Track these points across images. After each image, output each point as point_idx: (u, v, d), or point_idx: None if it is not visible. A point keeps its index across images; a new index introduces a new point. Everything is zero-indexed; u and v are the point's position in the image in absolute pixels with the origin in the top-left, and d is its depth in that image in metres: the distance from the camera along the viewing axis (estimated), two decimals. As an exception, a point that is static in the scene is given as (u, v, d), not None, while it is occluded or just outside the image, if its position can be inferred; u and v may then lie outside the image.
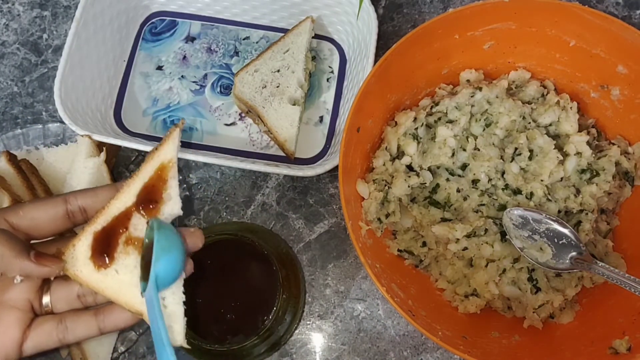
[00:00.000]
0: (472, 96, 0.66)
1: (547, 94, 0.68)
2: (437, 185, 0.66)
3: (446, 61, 0.68)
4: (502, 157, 0.64)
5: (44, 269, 0.44)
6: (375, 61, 0.67)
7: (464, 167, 0.65)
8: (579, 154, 0.63)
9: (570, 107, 0.65)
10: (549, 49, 0.66)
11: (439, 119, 0.66)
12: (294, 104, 0.73)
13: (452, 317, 0.63)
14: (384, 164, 0.65)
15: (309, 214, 0.72)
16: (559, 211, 0.64)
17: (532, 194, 0.63)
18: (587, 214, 0.63)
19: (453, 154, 0.64)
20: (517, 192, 0.64)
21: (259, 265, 0.61)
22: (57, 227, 0.48)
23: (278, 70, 0.74)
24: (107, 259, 0.46)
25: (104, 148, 0.69)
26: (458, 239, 0.63)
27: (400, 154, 0.66)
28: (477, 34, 0.66)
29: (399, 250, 0.66)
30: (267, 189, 0.73)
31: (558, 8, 0.62)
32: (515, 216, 0.62)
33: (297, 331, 0.67)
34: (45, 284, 0.48)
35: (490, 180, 0.64)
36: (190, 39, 0.80)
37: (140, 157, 0.74)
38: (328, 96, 0.77)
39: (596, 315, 0.61)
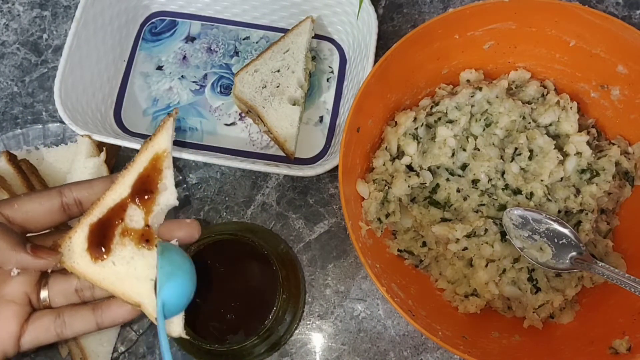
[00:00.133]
0: (472, 96, 0.66)
1: (547, 94, 0.68)
2: (437, 185, 0.66)
3: (446, 61, 0.68)
4: (502, 157, 0.64)
5: (40, 261, 0.44)
6: (375, 61, 0.68)
7: (464, 167, 0.65)
8: (579, 154, 0.63)
9: (570, 107, 0.66)
10: (549, 49, 0.66)
11: (439, 119, 0.66)
12: (294, 104, 0.73)
13: (452, 317, 0.63)
14: (384, 164, 0.65)
15: (309, 214, 0.72)
16: (559, 211, 0.64)
17: (532, 194, 0.63)
18: (587, 214, 0.63)
19: (453, 154, 0.64)
20: (517, 192, 0.64)
21: (259, 265, 0.61)
22: (52, 219, 0.48)
23: (278, 70, 0.74)
24: (103, 250, 0.46)
25: (104, 148, 0.69)
26: (458, 239, 0.63)
27: (400, 154, 0.66)
28: (477, 34, 0.66)
29: (399, 250, 0.66)
30: (267, 189, 0.73)
31: (558, 8, 0.62)
32: (515, 216, 0.62)
33: (297, 331, 0.67)
34: (43, 278, 0.48)
35: (490, 180, 0.64)
36: (190, 39, 0.80)
37: (140, 157, 0.74)
38: (328, 96, 0.77)
39: (596, 315, 0.61)
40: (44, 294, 0.48)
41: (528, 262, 0.62)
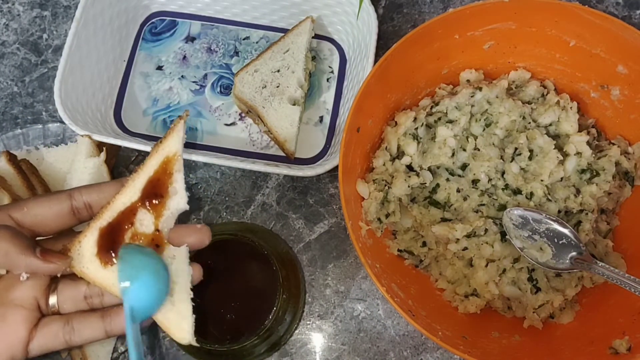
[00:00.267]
0: (472, 96, 0.66)
1: (547, 94, 0.68)
2: (437, 185, 0.66)
3: (446, 61, 0.68)
4: (502, 157, 0.64)
5: (50, 265, 0.44)
6: (375, 61, 0.68)
7: (464, 167, 0.65)
8: (579, 154, 0.63)
9: (570, 107, 0.66)
10: (549, 49, 0.66)
11: (439, 119, 0.66)
12: (294, 104, 0.73)
13: (452, 317, 0.63)
14: (384, 164, 0.65)
15: (309, 214, 0.72)
16: (559, 211, 0.64)
17: (532, 194, 0.63)
18: (587, 214, 0.63)
19: (453, 154, 0.64)
20: (517, 192, 0.64)
21: (259, 265, 0.61)
22: (62, 223, 0.47)
23: (278, 70, 0.74)
24: (113, 255, 0.46)
25: (104, 148, 0.69)
26: (458, 239, 0.63)
27: (400, 154, 0.66)
28: (477, 34, 0.66)
29: (399, 250, 0.66)
30: (267, 189, 0.73)
31: (558, 8, 0.62)
32: (515, 216, 0.62)
33: (297, 331, 0.67)
34: (52, 284, 0.48)
35: (490, 180, 0.64)
36: (190, 39, 0.80)
37: (141, 157, 0.74)
38: (328, 96, 0.77)
39: (596, 315, 0.61)
40: (52, 299, 0.47)
41: (528, 262, 0.62)
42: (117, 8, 0.76)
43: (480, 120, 0.65)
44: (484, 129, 0.65)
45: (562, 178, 0.63)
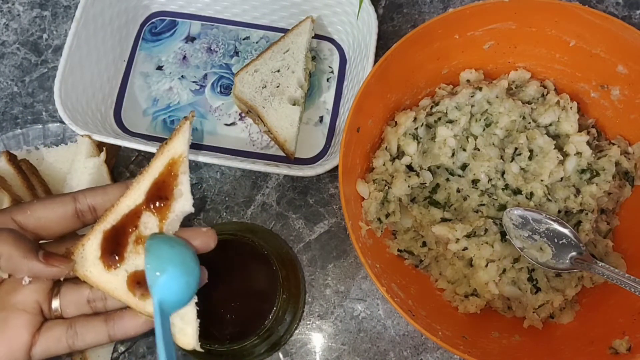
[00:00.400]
0: (472, 96, 0.66)
1: (547, 94, 0.68)
2: (437, 185, 0.66)
3: (446, 61, 0.68)
4: (502, 157, 0.64)
5: (53, 269, 0.43)
6: (375, 61, 0.67)
7: (464, 167, 0.65)
8: (579, 154, 0.63)
9: (570, 107, 0.66)
10: (549, 49, 0.66)
11: (439, 119, 0.66)
12: (294, 104, 0.73)
13: (452, 317, 0.63)
14: (384, 164, 0.65)
15: (309, 214, 0.72)
16: (559, 211, 0.64)
17: (532, 194, 0.63)
18: (587, 214, 0.63)
19: (453, 154, 0.64)
20: (517, 192, 0.64)
21: (259, 265, 0.61)
22: (66, 226, 0.47)
23: (278, 70, 0.74)
24: (117, 258, 0.45)
25: (104, 148, 0.69)
26: (458, 239, 0.63)
27: (400, 154, 0.66)
28: (477, 34, 0.66)
29: (399, 250, 0.66)
30: (267, 189, 0.73)
31: (558, 8, 0.62)
32: (515, 216, 0.62)
33: (297, 331, 0.67)
34: (55, 287, 0.47)
35: (490, 180, 0.64)
36: (190, 39, 0.80)
37: (141, 157, 0.74)
38: (328, 96, 0.77)
39: (596, 315, 0.61)
40: (55, 303, 0.47)
41: (528, 262, 0.62)
42: (117, 8, 0.76)
43: (480, 120, 0.65)
44: (484, 129, 0.65)
45: (562, 178, 0.63)
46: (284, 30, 0.78)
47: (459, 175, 0.66)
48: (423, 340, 0.67)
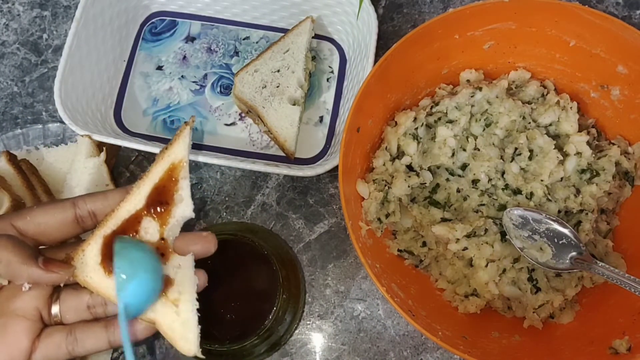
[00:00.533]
0: (472, 96, 0.66)
1: (547, 94, 0.68)
2: (437, 185, 0.66)
3: (446, 61, 0.68)
4: (502, 157, 0.64)
5: (52, 275, 0.43)
6: (375, 61, 0.67)
7: (464, 167, 0.65)
8: (579, 154, 0.63)
9: (570, 107, 0.66)
10: (549, 49, 0.66)
11: (439, 119, 0.66)
12: (294, 104, 0.73)
13: (452, 317, 0.63)
14: (384, 164, 0.65)
15: (309, 214, 0.72)
16: (559, 211, 0.64)
17: (532, 194, 0.63)
18: (587, 214, 0.63)
19: (453, 154, 0.64)
20: (517, 192, 0.64)
21: (259, 265, 0.61)
22: (66, 232, 0.47)
23: (278, 70, 0.74)
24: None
25: (104, 148, 0.69)
26: (458, 239, 0.63)
27: (400, 154, 0.66)
28: (477, 34, 0.66)
29: (399, 250, 0.66)
30: (267, 189, 0.73)
31: (558, 8, 0.62)
32: (515, 216, 0.62)
33: (297, 331, 0.67)
34: (54, 293, 0.47)
35: (490, 180, 0.64)
36: (190, 39, 0.80)
37: (141, 157, 0.74)
38: (328, 96, 0.77)
39: (596, 315, 0.61)
40: (55, 309, 0.46)
41: (528, 262, 0.62)
42: (117, 8, 0.76)
43: (480, 120, 0.65)
44: (484, 129, 0.65)
45: (562, 178, 0.63)
46: (284, 30, 0.78)
47: (459, 175, 0.66)
48: (423, 340, 0.67)
